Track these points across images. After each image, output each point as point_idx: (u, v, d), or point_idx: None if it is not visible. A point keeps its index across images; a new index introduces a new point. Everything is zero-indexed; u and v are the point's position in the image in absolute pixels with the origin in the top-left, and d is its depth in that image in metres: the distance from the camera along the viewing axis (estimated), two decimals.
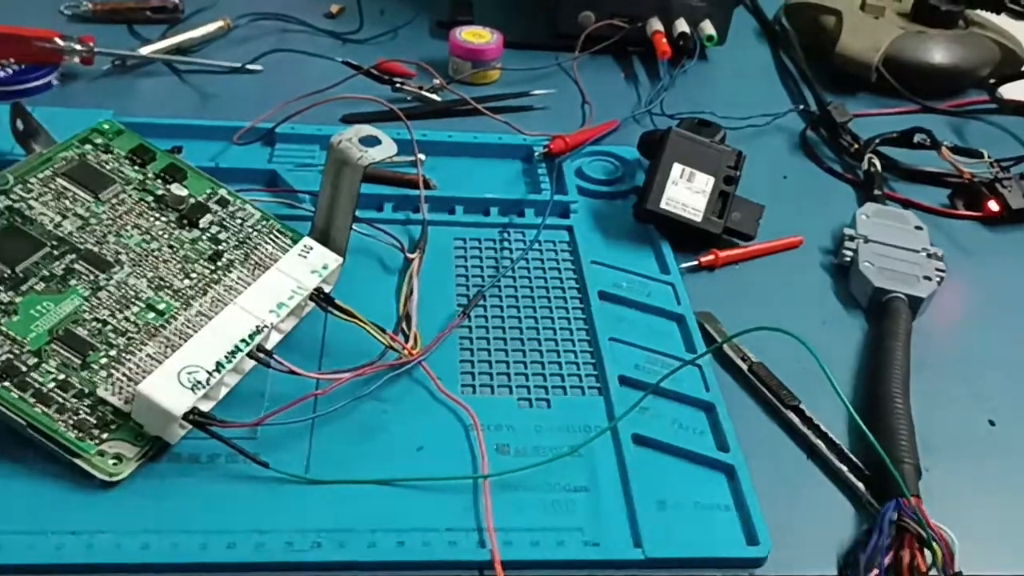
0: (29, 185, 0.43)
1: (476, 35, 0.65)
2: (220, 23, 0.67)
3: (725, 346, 0.45)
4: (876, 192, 0.57)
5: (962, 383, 0.46)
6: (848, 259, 0.52)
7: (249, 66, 0.63)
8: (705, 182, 0.52)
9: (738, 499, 0.38)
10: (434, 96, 0.62)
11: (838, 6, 0.73)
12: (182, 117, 0.57)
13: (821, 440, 0.41)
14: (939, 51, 0.70)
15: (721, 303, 0.49)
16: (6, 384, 0.37)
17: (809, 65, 0.71)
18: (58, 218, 0.43)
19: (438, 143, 0.57)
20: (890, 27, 0.71)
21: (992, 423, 0.45)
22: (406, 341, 0.43)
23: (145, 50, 0.63)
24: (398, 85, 0.62)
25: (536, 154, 0.57)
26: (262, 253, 0.45)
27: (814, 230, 0.55)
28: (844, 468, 0.40)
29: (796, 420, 0.42)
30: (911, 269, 0.50)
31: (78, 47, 0.60)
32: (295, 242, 0.45)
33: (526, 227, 0.52)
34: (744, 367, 0.45)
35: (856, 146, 0.62)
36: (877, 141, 0.61)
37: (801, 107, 0.67)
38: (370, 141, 0.45)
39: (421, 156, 0.55)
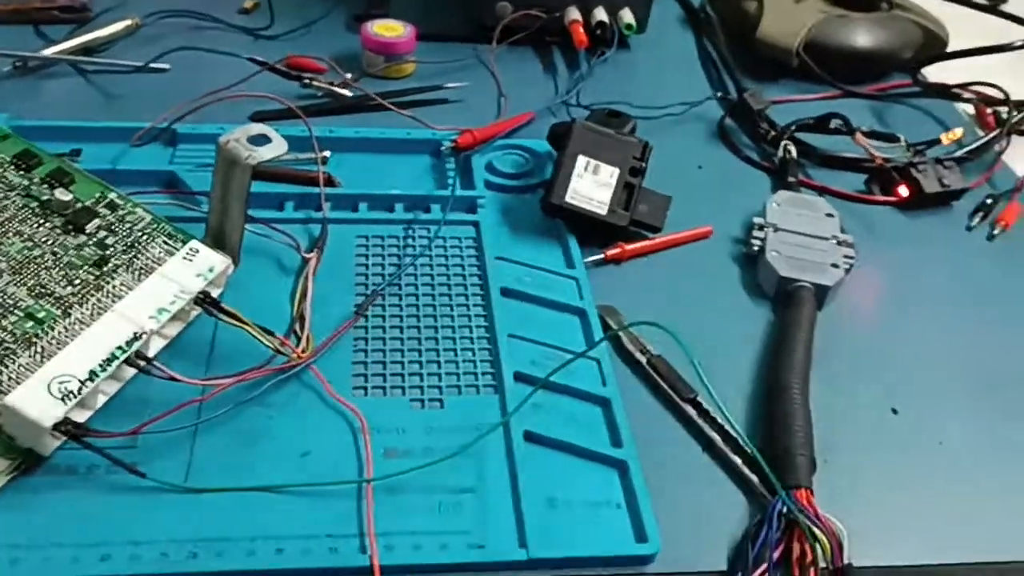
0: None
1: (388, 28, 0.64)
2: (128, 22, 0.65)
3: (624, 340, 0.45)
4: (790, 179, 0.57)
5: (867, 372, 0.46)
6: (756, 248, 0.51)
7: (154, 64, 0.61)
8: (610, 174, 0.51)
9: (629, 496, 0.38)
10: (344, 91, 0.61)
11: None
12: (86, 119, 0.56)
13: (717, 433, 0.41)
14: (861, 34, 0.70)
15: (627, 297, 0.48)
16: None
17: (731, 52, 0.71)
18: None
19: (344, 139, 0.56)
20: (811, 11, 0.71)
21: (895, 411, 0.44)
22: (297, 344, 0.42)
23: (49, 51, 0.61)
24: (307, 81, 0.61)
25: (443, 148, 0.56)
26: (148, 257, 0.43)
27: (727, 220, 0.55)
28: (738, 460, 0.40)
29: (693, 413, 0.42)
30: (819, 257, 0.50)
31: None
32: (185, 245, 0.44)
33: (431, 223, 0.51)
34: (643, 360, 0.44)
35: (773, 133, 0.62)
36: (793, 128, 0.61)
37: (719, 95, 0.66)
38: (260, 140, 0.44)
39: (325, 153, 0.55)
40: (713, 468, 0.41)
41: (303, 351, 0.42)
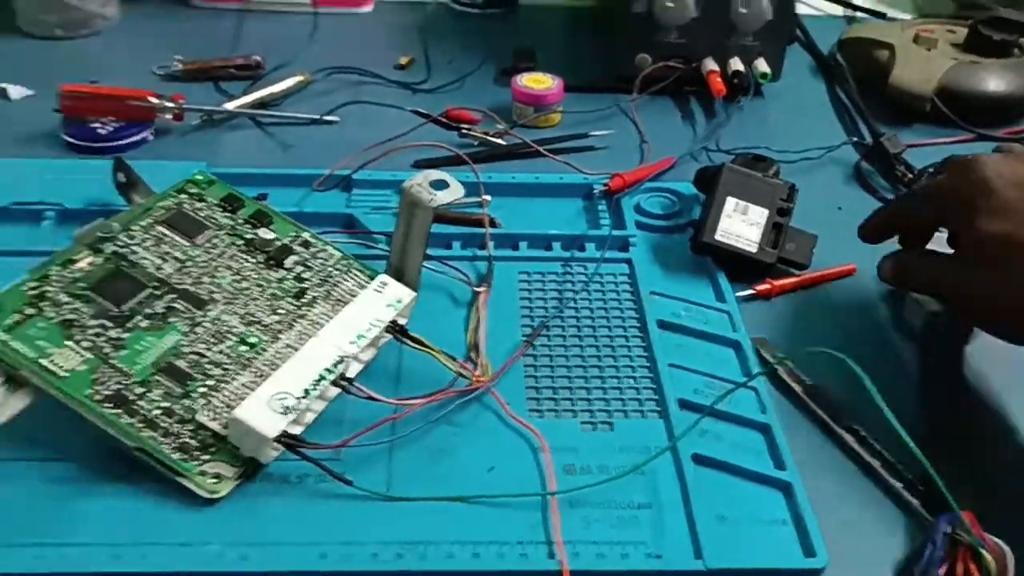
0: (132, 232, 0.48)
1: (537, 81, 0.69)
2: (299, 78, 0.72)
3: (780, 370, 0.47)
4: None
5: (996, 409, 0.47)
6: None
7: (326, 117, 0.67)
8: (759, 214, 0.54)
9: (795, 514, 0.40)
10: (498, 140, 0.65)
11: (891, 40, 0.75)
12: (266, 167, 0.62)
13: (876, 458, 0.43)
14: (993, 80, 0.72)
15: (776, 331, 0.51)
16: (117, 411, 0.40)
17: (863, 98, 0.73)
18: (159, 261, 0.47)
19: (502, 184, 0.60)
20: (943, 58, 0.73)
21: None
22: (475, 369, 0.46)
23: (230, 105, 0.68)
24: (464, 131, 0.65)
25: (596, 192, 0.60)
26: (342, 290, 0.48)
27: (869, 259, 0.57)
28: (899, 484, 0.42)
29: (851, 439, 0.44)
30: None
31: (170, 104, 0.65)
32: (372, 279, 0.49)
33: (587, 261, 0.55)
34: (799, 390, 0.46)
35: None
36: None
37: (855, 139, 0.68)
38: (439, 185, 0.48)
39: (487, 197, 0.59)
40: (873, 491, 0.42)
41: (482, 375, 0.45)
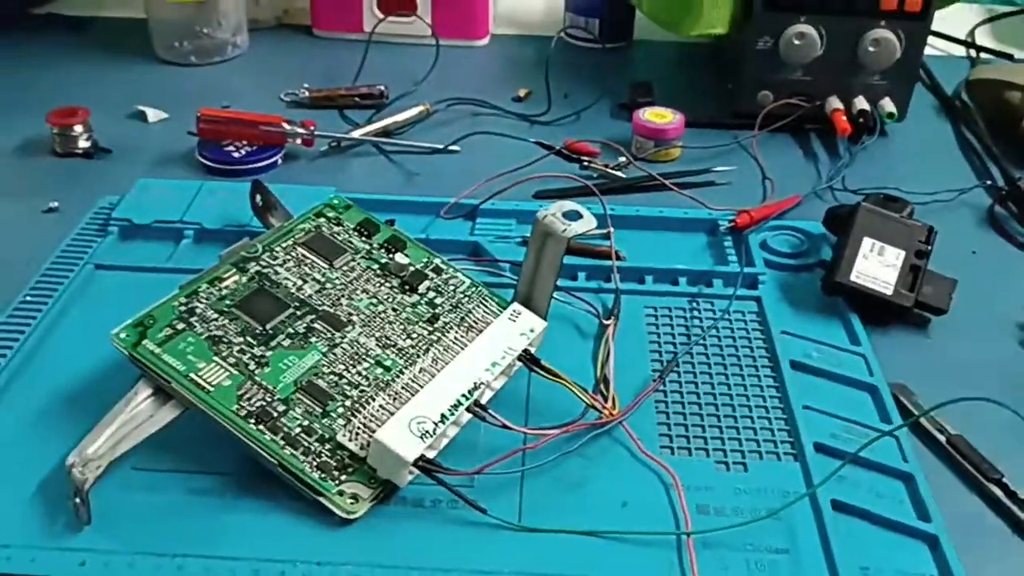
0: (274, 253, 0.49)
1: (659, 115, 0.69)
2: (421, 108, 0.73)
3: (923, 419, 0.46)
4: None
5: None
6: None
7: (450, 147, 0.68)
8: (895, 256, 0.53)
9: (943, 568, 0.39)
10: (619, 173, 0.66)
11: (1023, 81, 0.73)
12: (391, 193, 0.63)
13: None
14: None
15: (914, 376, 0.49)
16: (261, 428, 0.41)
17: (994, 140, 0.71)
18: (299, 282, 0.48)
19: (626, 217, 0.60)
20: None
21: None
22: (605, 402, 0.46)
23: (356, 133, 0.69)
24: (586, 163, 0.66)
25: (721, 228, 0.59)
26: (475, 317, 0.49)
27: (1007, 305, 0.55)
28: None
29: (1000, 494, 0.42)
30: None
31: (301, 130, 0.67)
32: (501, 307, 0.49)
33: (714, 297, 0.54)
34: (942, 439, 0.45)
35: None
36: None
37: (988, 182, 0.66)
38: (572, 215, 0.48)
39: (610, 229, 0.59)
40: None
41: (612, 409, 0.45)
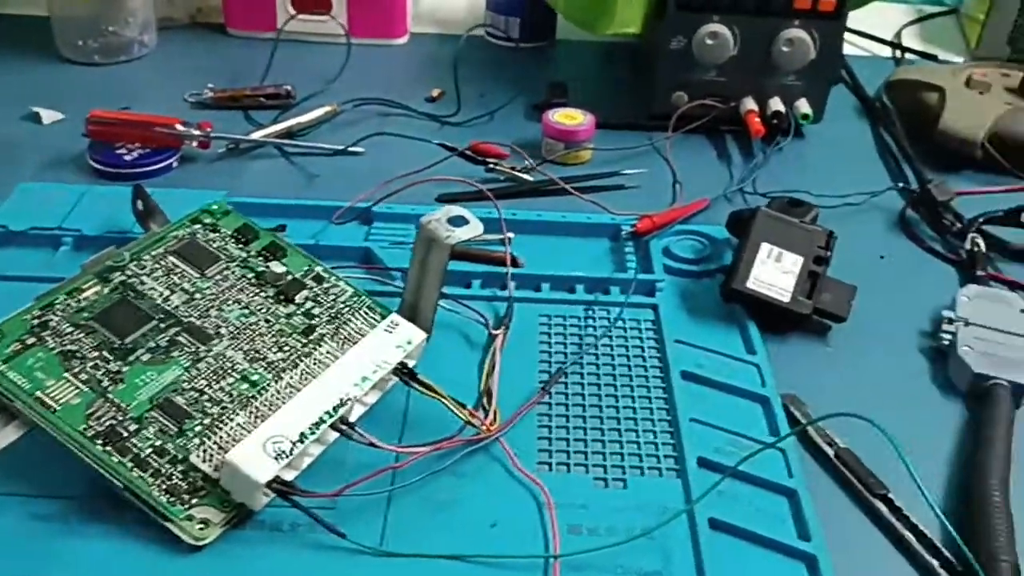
0: (143, 262, 0.47)
1: (569, 116, 0.67)
2: (327, 108, 0.71)
3: (811, 430, 0.44)
4: (979, 273, 0.56)
5: None
6: (947, 342, 0.50)
7: (351, 148, 0.66)
8: (794, 262, 0.51)
9: None
10: (526, 176, 0.64)
11: (942, 83, 0.72)
12: (289, 197, 0.61)
13: (910, 532, 0.40)
14: None
15: (810, 386, 0.48)
16: (108, 448, 0.39)
17: (911, 142, 0.70)
18: (166, 293, 0.46)
19: (527, 222, 0.58)
20: (996, 102, 0.70)
21: None
22: (486, 417, 0.44)
23: (257, 134, 0.67)
24: (491, 166, 0.64)
25: (623, 233, 0.57)
26: (352, 328, 0.46)
27: (912, 312, 0.54)
28: (935, 563, 0.39)
29: (884, 509, 0.41)
30: (1015, 354, 0.48)
31: (196, 132, 0.65)
32: (384, 318, 0.47)
33: (611, 305, 0.52)
34: (830, 452, 0.43)
35: (959, 225, 0.60)
36: (981, 220, 0.59)
37: (901, 185, 0.65)
38: (458, 221, 0.47)
39: (510, 234, 0.57)
40: (904, 567, 0.39)
41: (492, 424, 0.43)
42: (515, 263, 0.54)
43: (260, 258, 0.49)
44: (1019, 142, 0.68)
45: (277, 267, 0.48)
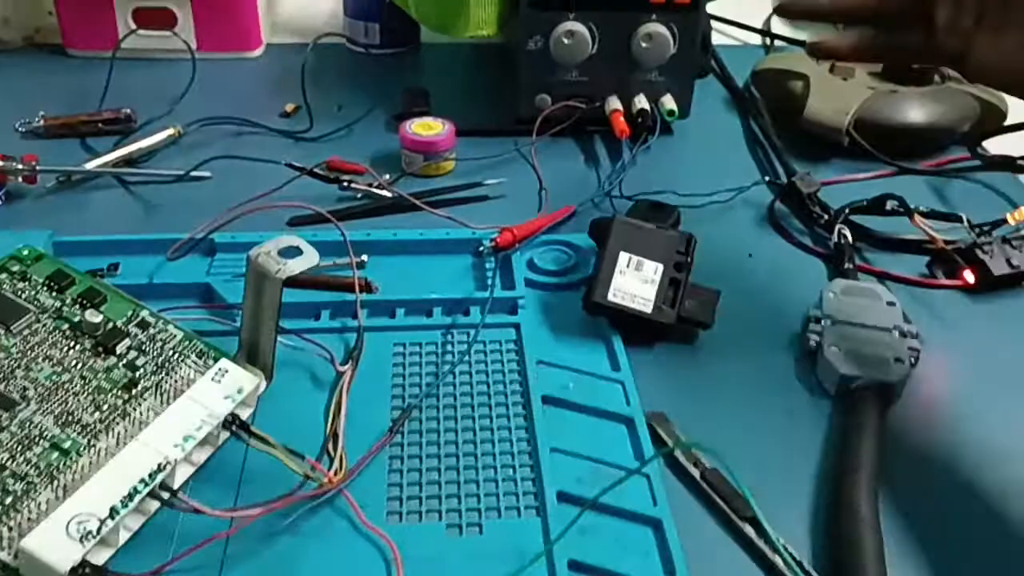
0: None
1: (427, 127, 0.64)
2: (170, 131, 0.66)
3: (677, 451, 0.42)
4: (847, 266, 0.54)
5: (946, 476, 0.43)
6: (814, 344, 0.48)
7: (195, 173, 0.61)
8: (654, 270, 0.49)
9: None
10: (383, 192, 0.60)
11: (806, 70, 0.71)
12: (127, 230, 0.56)
13: (778, 556, 0.38)
14: (913, 109, 0.68)
15: (676, 398, 0.46)
16: None
17: (779, 132, 0.69)
18: None
19: (382, 242, 0.55)
20: (860, 88, 0.69)
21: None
22: (330, 466, 0.40)
23: (91, 164, 0.62)
24: (346, 184, 0.60)
25: (483, 249, 0.55)
26: (178, 378, 0.42)
27: (782, 311, 0.52)
28: None
29: (752, 533, 0.39)
30: (882, 351, 0.47)
31: (19, 166, 0.59)
32: (217, 362, 0.43)
33: (471, 327, 0.49)
34: (696, 474, 0.41)
35: (826, 217, 0.59)
36: (847, 211, 0.58)
37: (768, 179, 0.64)
38: (291, 252, 0.43)
39: (363, 257, 0.54)
40: None
41: (335, 474, 0.40)
42: (368, 288, 0.51)
43: (76, 306, 0.44)
44: (882, 127, 0.67)
45: (93, 316, 0.43)
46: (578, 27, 0.65)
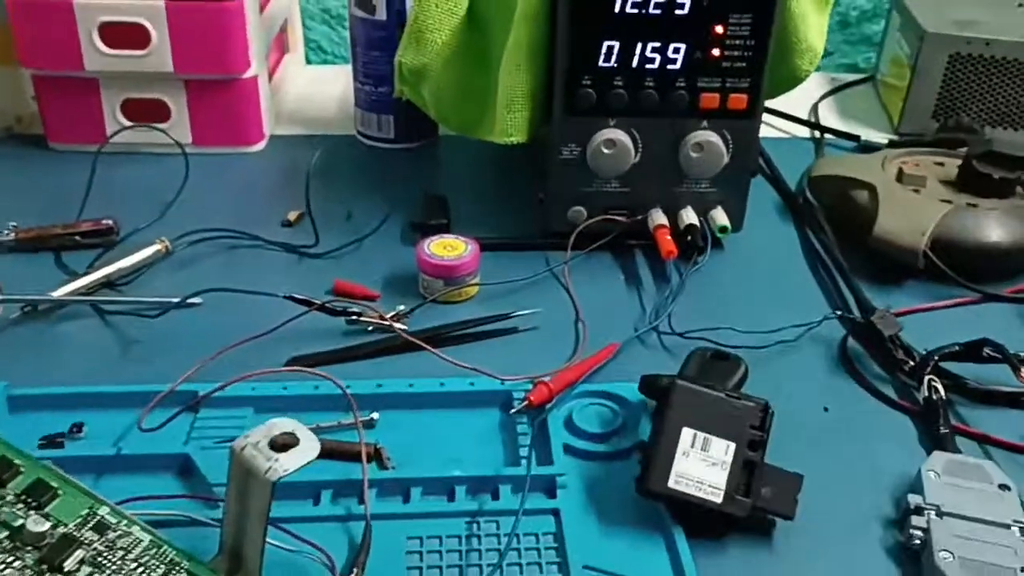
0: None
1: (448, 247, 0.56)
2: (157, 247, 0.58)
3: None
4: (942, 430, 0.46)
5: None
6: (918, 542, 0.40)
7: (190, 300, 0.53)
8: (724, 449, 0.41)
9: None
10: (398, 325, 0.52)
11: (871, 178, 0.63)
12: (101, 372, 0.49)
13: None
14: (996, 227, 0.60)
15: None
16: None
17: (842, 249, 0.61)
18: None
19: (396, 395, 0.47)
20: (934, 202, 0.61)
21: None
22: None
23: (63, 289, 0.54)
24: (352, 318, 0.52)
25: (514, 407, 0.46)
26: None
27: (870, 487, 0.44)
28: None
29: None
30: (1002, 557, 0.39)
31: None
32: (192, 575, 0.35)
33: (501, 514, 0.41)
34: None
35: (911, 363, 0.51)
36: (936, 358, 0.50)
37: (839, 312, 0.55)
38: (283, 444, 0.35)
39: (374, 415, 0.46)
40: None
41: None
42: (378, 458, 0.43)
43: (20, 505, 0.36)
44: (963, 247, 0.59)
45: (36, 524, 0.35)
46: (620, 135, 0.57)
